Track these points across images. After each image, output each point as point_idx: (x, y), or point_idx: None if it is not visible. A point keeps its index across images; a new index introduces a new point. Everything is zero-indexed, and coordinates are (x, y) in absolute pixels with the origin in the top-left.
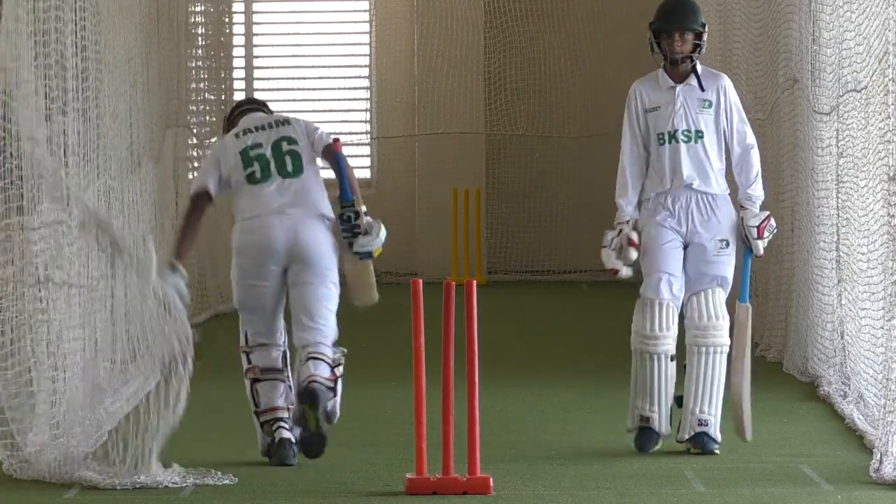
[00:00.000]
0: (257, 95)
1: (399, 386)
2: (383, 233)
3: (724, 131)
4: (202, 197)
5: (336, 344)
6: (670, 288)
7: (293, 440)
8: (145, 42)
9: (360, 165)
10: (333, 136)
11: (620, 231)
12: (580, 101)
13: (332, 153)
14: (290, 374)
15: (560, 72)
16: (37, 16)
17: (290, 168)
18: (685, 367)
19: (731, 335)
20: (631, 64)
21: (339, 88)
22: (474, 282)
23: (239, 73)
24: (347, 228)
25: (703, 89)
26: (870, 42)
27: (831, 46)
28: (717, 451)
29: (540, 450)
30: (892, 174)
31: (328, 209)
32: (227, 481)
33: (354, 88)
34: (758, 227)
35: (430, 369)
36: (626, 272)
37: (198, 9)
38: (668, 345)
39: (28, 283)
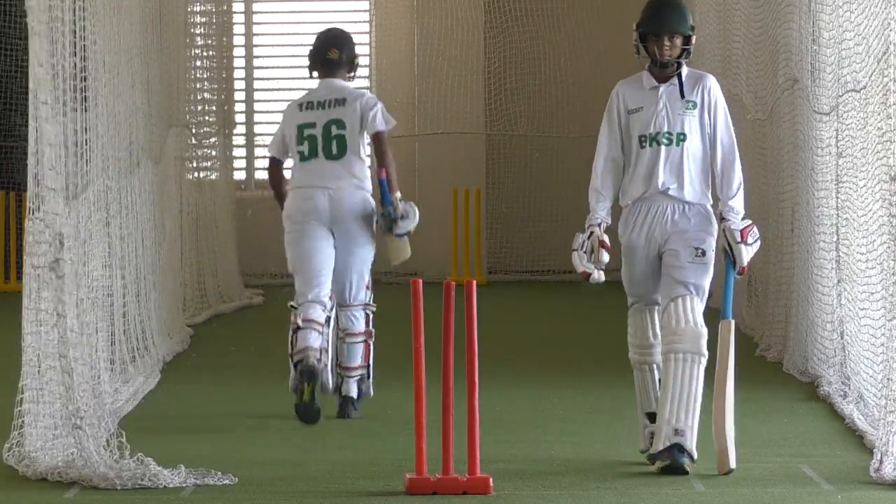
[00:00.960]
0: (257, 95)
1: (399, 386)
2: (417, 215)
3: (708, 135)
4: (274, 163)
5: (369, 289)
6: (648, 298)
7: (318, 368)
8: (145, 42)
9: None
10: (378, 131)
11: (591, 234)
12: (580, 101)
13: (376, 142)
14: (328, 331)
15: (560, 72)
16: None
17: (334, 151)
18: (660, 380)
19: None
20: (631, 64)
21: None
22: (474, 282)
23: (239, 73)
24: (387, 221)
25: (682, 94)
26: (869, 42)
27: (831, 46)
28: (689, 469)
29: (540, 450)
30: (891, 174)
31: (367, 182)
32: (227, 481)
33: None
34: (741, 231)
35: (430, 369)
36: (597, 276)
37: (198, 9)
38: (656, 355)
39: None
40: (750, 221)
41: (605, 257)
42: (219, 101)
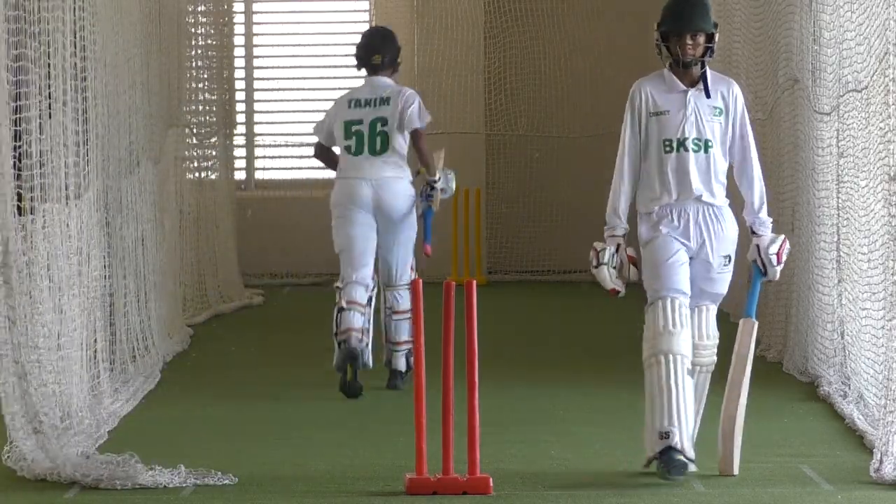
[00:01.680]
0: (257, 96)
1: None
2: (454, 183)
3: (731, 142)
4: (320, 148)
5: (413, 270)
6: (683, 293)
7: (359, 350)
8: (145, 42)
9: None
10: (415, 128)
11: (618, 247)
12: (580, 101)
13: (413, 138)
14: (370, 311)
15: (560, 72)
16: (41, 16)
17: (378, 147)
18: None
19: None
20: (631, 64)
21: (339, 89)
22: (474, 282)
23: (239, 73)
24: (426, 196)
25: (708, 96)
26: (870, 42)
27: (832, 46)
28: (693, 470)
29: (540, 450)
30: (892, 174)
31: (407, 172)
32: (227, 481)
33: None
34: (777, 255)
35: (430, 369)
36: (624, 292)
37: (198, 9)
38: (684, 346)
39: (28, 282)
40: (782, 238)
41: (635, 274)
42: (219, 101)
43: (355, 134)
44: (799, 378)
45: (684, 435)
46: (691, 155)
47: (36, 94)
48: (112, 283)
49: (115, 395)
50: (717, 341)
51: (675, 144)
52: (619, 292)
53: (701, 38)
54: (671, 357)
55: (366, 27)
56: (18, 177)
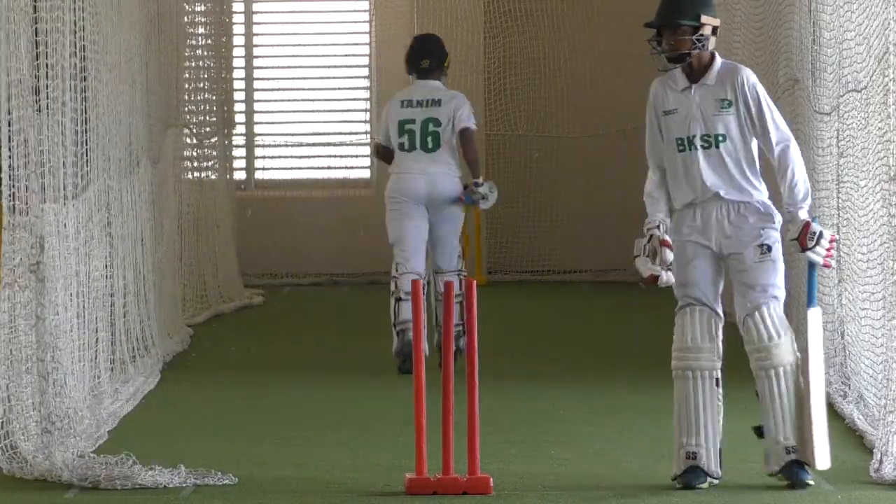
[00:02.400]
0: (257, 96)
1: (399, 386)
2: (496, 194)
3: (753, 131)
4: (378, 146)
5: (461, 257)
6: (704, 302)
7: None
8: (145, 42)
9: (360, 165)
10: (465, 126)
11: (651, 236)
12: (580, 101)
13: (462, 135)
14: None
15: (560, 72)
16: (38, 15)
17: (430, 146)
18: (757, 393)
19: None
20: (631, 64)
21: (339, 88)
22: (474, 282)
23: (239, 73)
24: (470, 199)
25: (718, 89)
26: (870, 42)
27: (832, 46)
28: (811, 482)
29: (540, 450)
30: (892, 174)
31: (456, 168)
32: (227, 481)
33: (354, 88)
34: (798, 240)
35: (431, 369)
36: (666, 277)
37: (197, 9)
38: (710, 361)
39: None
40: (804, 221)
41: (670, 256)
42: (219, 101)
43: (408, 132)
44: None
45: (711, 452)
46: (700, 153)
47: (34, 94)
48: (112, 283)
49: (115, 395)
50: (788, 336)
51: (685, 143)
52: (657, 277)
53: (684, 32)
54: (697, 374)
55: (366, 27)
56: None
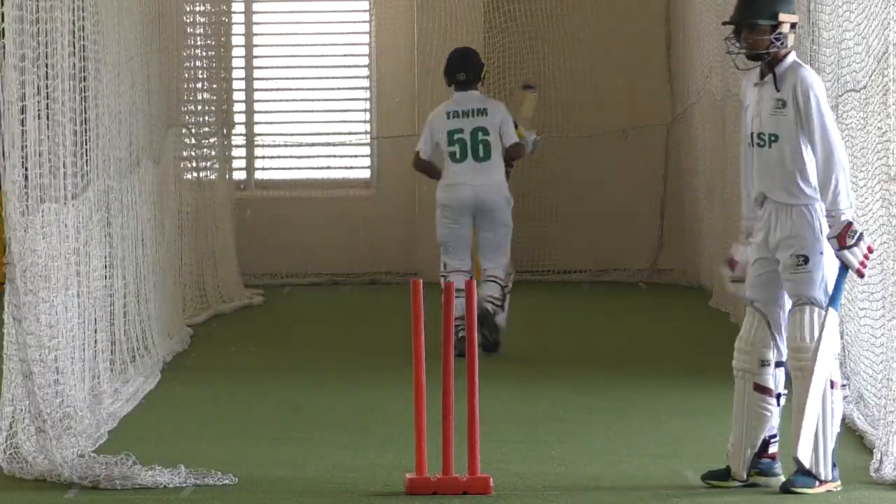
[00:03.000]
0: (257, 96)
1: (399, 386)
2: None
3: (804, 134)
4: (419, 160)
5: (508, 266)
6: (756, 305)
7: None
8: (145, 42)
9: (360, 165)
10: (515, 142)
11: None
12: (580, 101)
13: (513, 151)
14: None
15: (560, 72)
16: (38, 16)
17: (481, 154)
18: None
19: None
20: (630, 64)
21: (339, 88)
22: (474, 282)
23: (239, 73)
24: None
25: (777, 88)
26: (869, 42)
27: (830, 46)
28: (809, 492)
29: (540, 450)
30: (892, 174)
31: (503, 175)
32: (227, 481)
33: (354, 88)
34: (837, 237)
35: (430, 369)
36: (745, 293)
37: (197, 9)
38: (747, 363)
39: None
40: (846, 222)
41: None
42: (218, 101)
43: (458, 142)
44: None
45: (738, 456)
46: (756, 150)
47: (35, 95)
48: (112, 283)
49: (115, 396)
50: (808, 345)
51: (751, 139)
52: (743, 294)
53: (762, 29)
54: (738, 374)
55: (366, 27)
56: (25, 177)
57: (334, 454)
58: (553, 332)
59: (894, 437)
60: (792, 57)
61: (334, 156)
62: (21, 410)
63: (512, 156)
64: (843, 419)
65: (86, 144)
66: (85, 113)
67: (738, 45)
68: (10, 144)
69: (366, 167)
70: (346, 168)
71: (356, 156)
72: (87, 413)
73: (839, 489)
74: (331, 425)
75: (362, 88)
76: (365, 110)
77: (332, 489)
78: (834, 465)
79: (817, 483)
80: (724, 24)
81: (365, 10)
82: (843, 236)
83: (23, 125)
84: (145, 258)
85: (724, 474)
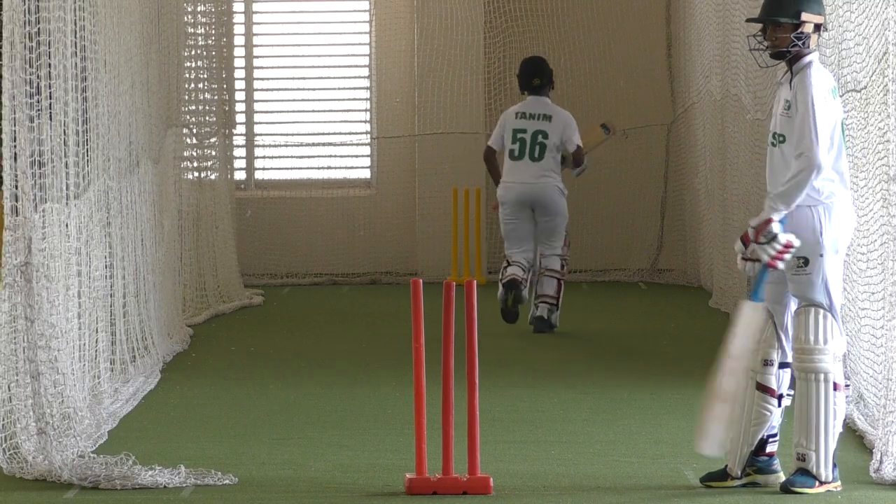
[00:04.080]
0: (257, 96)
1: (399, 386)
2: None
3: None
4: (490, 151)
5: (566, 251)
6: (767, 305)
7: (521, 294)
8: (145, 42)
9: (360, 165)
10: (578, 146)
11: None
12: (580, 101)
13: (577, 153)
14: (528, 277)
15: (560, 72)
16: (39, 16)
17: (536, 155)
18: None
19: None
20: (630, 64)
21: (339, 88)
22: (474, 282)
23: (239, 73)
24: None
25: (790, 89)
26: (869, 42)
27: (831, 46)
28: (809, 492)
29: (540, 450)
30: (891, 174)
31: (558, 173)
32: (227, 481)
33: (354, 88)
34: (756, 228)
35: (430, 369)
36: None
37: (198, 9)
38: (755, 361)
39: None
40: (769, 218)
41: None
42: (219, 101)
43: (519, 140)
44: None
45: (733, 454)
46: (769, 149)
47: (36, 95)
48: (112, 283)
49: (115, 396)
50: (820, 346)
51: (769, 137)
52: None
53: (784, 28)
54: (752, 374)
55: (366, 27)
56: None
57: (334, 454)
58: (553, 332)
59: (894, 437)
60: (809, 58)
61: (334, 156)
62: (21, 410)
63: (574, 160)
64: (844, 419)
65: (86, 144)
66: (85, 113)
67: (764, 42)
68: (11, 144)
69: (366, 167)
70: (346, 168)
71: (356, 156)
72: (87, 413)
73: (839, 490)
74: (331, 425)
75: (362, 88)
76: (365, 110)
77: (332, 489)
78: (834, 465)
79: (817, 483)
80: (749, 20)
81: (365, 10)
82: (758, 232)
83: (21, 125)
84: (145, 258)
85: (722, 475)
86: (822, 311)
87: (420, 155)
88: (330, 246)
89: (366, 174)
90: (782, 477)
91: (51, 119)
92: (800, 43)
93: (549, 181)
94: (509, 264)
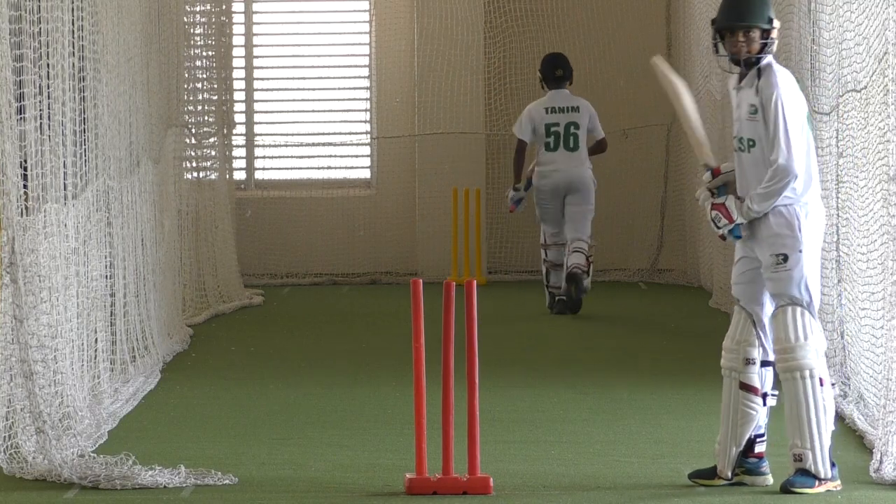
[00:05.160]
0: (257, 96)
1: (399, 386)
2: None
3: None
4: (522, 144)
5: (591, 237)
6: (741, 303)
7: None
8: (145, 42)
9: (360, 165)
10: (603, 137)
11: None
12: None
13: (600, 145)
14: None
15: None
16: (39, 16)
17: (571, 145)
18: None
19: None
20: (631, 64)
21: (339, 88)
22: (474, 282)
23: (239, 73)
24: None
25: (756, 93)
26: (869, 42)
27: (831, 46)
28: (809, 491)
29: (540, 450)
30: (891, 174)
31: (588, 162)
32: (227, 481)
33: (354, 88)
34: (716, 204)
35: (430, 369)
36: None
37: (197, 9)
38: (733, 362)
39: (24, 282)
40: (722, 201)
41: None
42: (218, 101)
43: (553, 133)
44: None
45: (723, 454)
46: (737, 154)
47: (35, 94)
48: (112, 283)
49: (115, 395)
50: (802, 342)
51: (735, 143)
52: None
53: (755, 34)
54: (725, 373)
55: (366, 27)
56: (25, 177)
57: (334, 454)
58: (553, 331)
59: (894, 437)
60: (768, 59)
61: (334, 156)
62: (21, 410)
63: (601, 148)
64: (843, 419)
65: (85, 144)
66: (85, 113)
67: (723, 49)
68: (11, 145)
69: (366, 167)
70: (346, 168)
71: (356, 156)
72: (87, 413)
73: (839, 488)
74: (331, 425)
75: (362, 88)
76: (365, 110)
77: (332, 489)
78: (833, 464)
79: (817, 483)
80: (716, 27)
81: (365, 10)
82: (717, 206)
83: (23, 125)
84: (145, 258)
85: (711, 473)
86: (798, 308)
87: (420, 155)
88: (330, 246)
89: (366, 174)
90: (770, 479)
91: (49, 119)
92: (769, 48)
93: (584, 170)
94: (552, 267)
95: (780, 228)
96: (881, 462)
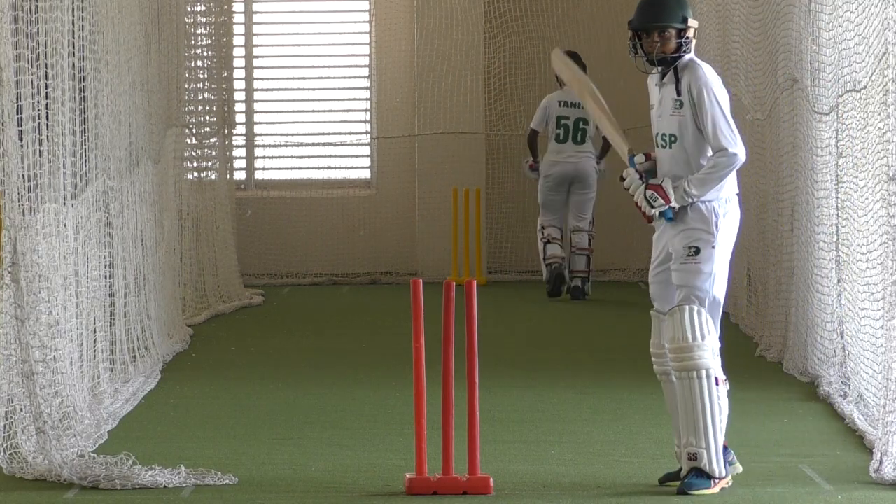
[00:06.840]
0: (257, 96)
1: (399, 386)
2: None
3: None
4: (534, 133)
5: (592, 225)
6: (658, 305)
7: (564, 276)
8: (145, 42)
9: (360, 165)
10: None
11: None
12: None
13: (606, 142)
14: (561, 242)
15: None
16: (38, 16)
17: (579, 139)
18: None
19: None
20: (630, 64)
21: (339, 88)
22: (474, 282)
23: (239, 73)
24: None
25: (677, 90)
26: (869, 42)
27: (830, 46)
28: (706, 493)
29: (540, 450)
30: (891, 174)
31: (594, 154)
32: (227, 481)
33: (354, 88)
34: (653, 185)
35: (430, 369)
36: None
37: (198, 9)
38: (662, 366)
39: (26, 282)
40: (659, 183)
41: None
42: (219, 101)
43: (563, 126)
44: (799, 378)
45: (679, 451)
46: (660, 151)
47: (34, 94)
48: (112, 282)
49: (115, 396)
50: (699, 342)
51: (657, 140)
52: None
53: (670, 34)
54: (661, 378)
55: (366, 27)
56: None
57: (334, 454)
58: (553, 331)
59: (894, 437)
60: (689, 56)
61: (334, 156)
62: (21, 410)
63: (609, 145)
64: (843, 419)
65: (85, 144)
66: (84, 113)
67: (640, 49)
68: (10, 144)
69: (366, 167)
70: (346, 168)
71: (356, 156)
72: (87, 413)
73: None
74: (331, 425)
75: (362, 88)
76: (365, 110)
77: (332, 489)
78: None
79: (713, 483)
80: (633, 28)
81: (365, 10)
82: (654, 188)
83: (22, 125)
84: (145, 258)
85: (677, 475)
86: (695, 307)
87: (420, 155)
88: (330, 246)
89: (366, 174)
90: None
91: (49, 119)
92: (685, 47)
93: (589, 161)
94: (549, 241)
95: (695, 223)
96: (881, 462)
